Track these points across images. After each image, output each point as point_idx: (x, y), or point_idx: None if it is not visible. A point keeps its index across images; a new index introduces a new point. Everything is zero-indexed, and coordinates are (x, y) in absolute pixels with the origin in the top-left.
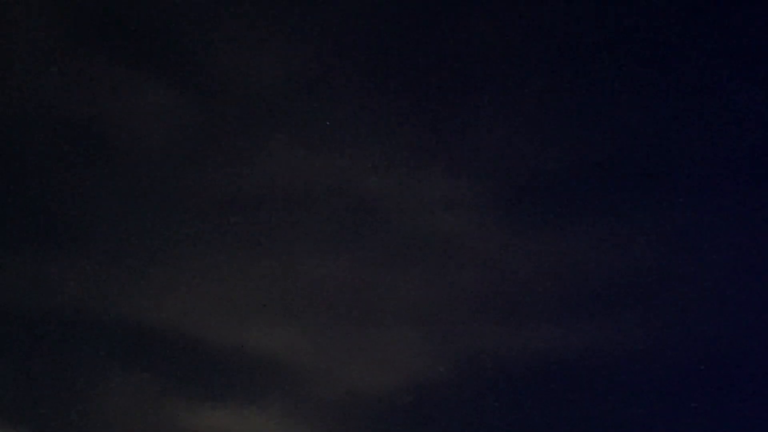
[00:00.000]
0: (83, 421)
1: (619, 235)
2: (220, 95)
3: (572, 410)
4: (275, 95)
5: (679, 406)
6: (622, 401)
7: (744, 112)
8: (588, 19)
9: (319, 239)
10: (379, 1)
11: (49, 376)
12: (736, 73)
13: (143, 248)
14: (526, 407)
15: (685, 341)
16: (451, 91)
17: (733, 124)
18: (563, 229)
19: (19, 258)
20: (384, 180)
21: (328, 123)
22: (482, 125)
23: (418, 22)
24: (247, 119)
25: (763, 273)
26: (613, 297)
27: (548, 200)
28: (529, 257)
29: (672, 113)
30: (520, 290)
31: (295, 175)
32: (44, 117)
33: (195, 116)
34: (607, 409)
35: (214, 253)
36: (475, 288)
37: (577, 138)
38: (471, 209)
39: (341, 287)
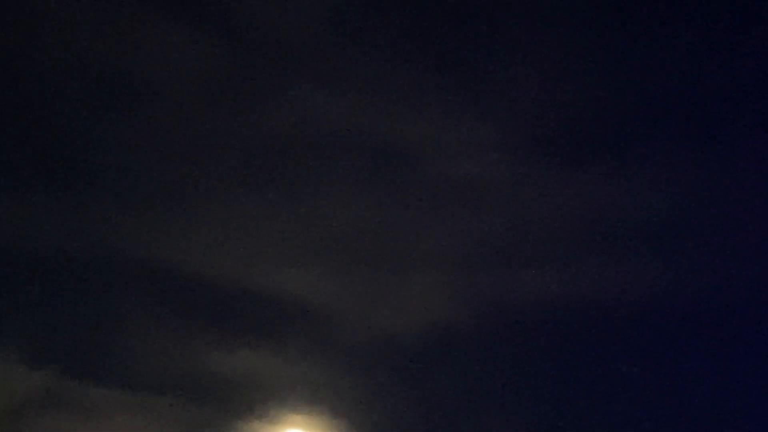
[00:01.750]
0: (111, 360)
1: (640, 182)
2: (247, 41)
3: (591, 352)
4: (301, 40)
5: (692, 346)
6: (638, 343)
7: (756, 62)
8: None
9: (343, 185)
10: None
11: (78, 318)
12: (750, 24)
13: (172, 192)
14: (546, 349)
15: (700, 285)
16: (477, 38)
17: (750, 74)
18: (585, 175)
19: (49, 201)
20: (410, 125)
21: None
22: (506, 72)
23: None
24: (273, 65)
25: None
26: (634, 242)
27: (570, 147)
28: (552, 203)
29: (689, 62)
30: (542, 236)
31: (321, 121)
32: (73, 63)
33: (222, 62)
34: (624, 350)
35: (241, 197)
36: (498, 234)
37: (599, 85)
38: (495, 155)
39: (366, 232)
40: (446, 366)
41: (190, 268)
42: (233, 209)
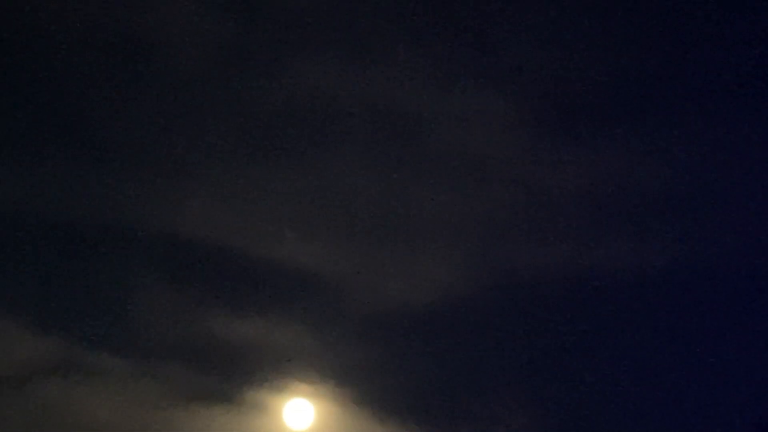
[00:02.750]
0: (118, 328)
1: (650, 152)
2: (258, 8)
3: (600, 325)
4: (312, 9)
5: (703, 318)
6: (649, 315)
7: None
8: None
9: (352, 154)
10: None
11: (86, 285)
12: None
13: (180, 161)
14: (556, 321)
15: (713, 257)
16: (489, 10)
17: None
18: (597, 148)
19: (60, 172)
20: (418, 96)
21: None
22: (515, 41)
23: None
24: (282, 33)
25: None
26: (642, 214)
27: (580, 117)
28: (561, 174)
29: (701, 34)
30: (551, 207)
31: (331, 91)
32: (82, 29)
33: (232, 30)
34: (635, 322)
35: (249, 166)
36: (508, 206)
37: (611, 58)
38: (504, 126)
39: (375, 203)
40: (454, 337)
41: (199, 236)
42: (242, 178)
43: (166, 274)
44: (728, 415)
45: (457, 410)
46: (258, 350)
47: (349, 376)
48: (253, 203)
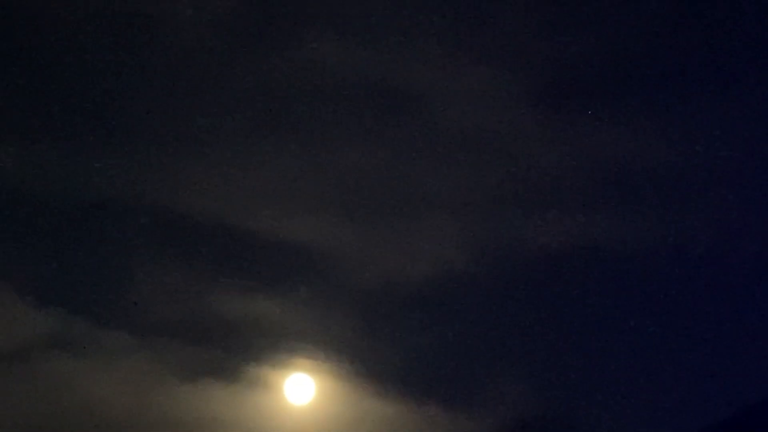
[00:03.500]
0: (118, 303)
1: (645, 130)
2: None
3: (599, 299)
4: None
5: (695, 290)
6: (647, 291)
7: None
8: None
9: (353, 130)
10: None
11: (86, 260)
12: None
13: (181, 137)
14: (554, 296)
15: (711, 233)
16: None
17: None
18: (596, 123)
19: (62, 146)
20: (420, 73)
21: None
22: (518, 20)
23: None
24: (287, 10)
25: None
26: (637, 188)
27: (581, 95)
28: (559, 151)
29: (702, 10)
30: (552, 184)
31: (332, 66)
32: (89, 7)
33: (238, 5)
34: (632, 298)
35: (250, 143)
36: (508, 181)
37: (612, 34)
38: (504, 103)
39: (376, 178)
40: (454, 312)
41: (201, 212)
42: (242, 154)
43: (168, 251)
44: (726, 380)
45: (456, 384)
46: (259, 326)
47: (350, 351)
48: (255, 180)
